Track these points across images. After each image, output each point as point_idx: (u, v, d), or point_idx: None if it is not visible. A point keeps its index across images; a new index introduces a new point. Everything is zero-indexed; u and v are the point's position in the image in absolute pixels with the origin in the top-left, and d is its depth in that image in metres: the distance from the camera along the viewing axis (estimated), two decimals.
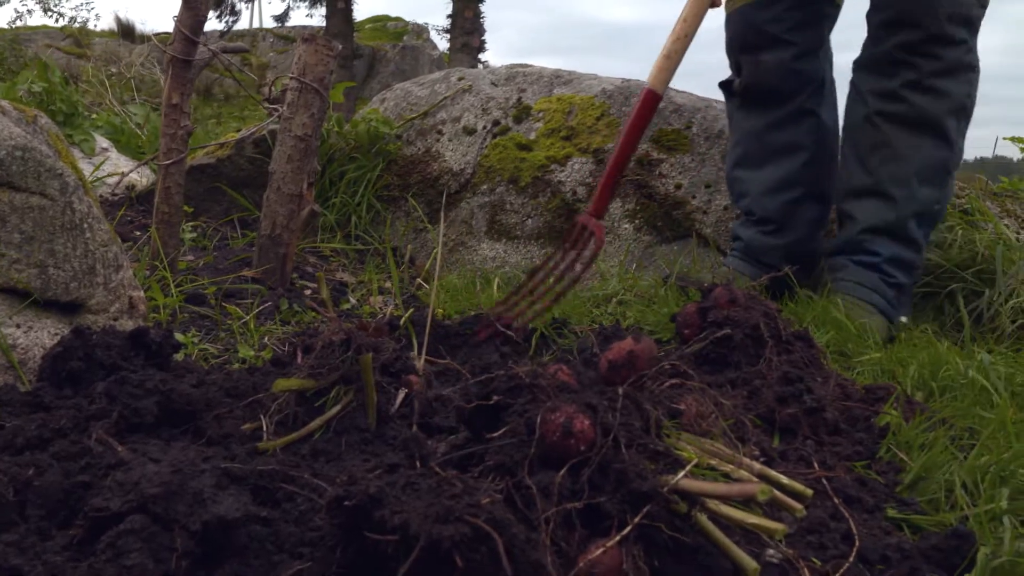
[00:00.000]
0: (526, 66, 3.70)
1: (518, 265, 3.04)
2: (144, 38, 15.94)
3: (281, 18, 24.82)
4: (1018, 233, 2.80)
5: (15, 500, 1.01)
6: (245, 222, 3.15)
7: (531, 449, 0.97)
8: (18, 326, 1.52)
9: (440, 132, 3.40)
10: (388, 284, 2.69)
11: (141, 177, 3.36)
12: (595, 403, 1.00)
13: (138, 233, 2.84)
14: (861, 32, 2.46)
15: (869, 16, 2.40)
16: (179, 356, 1.66)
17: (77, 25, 20.30)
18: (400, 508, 0.82)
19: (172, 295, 2.12)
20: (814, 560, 1.07)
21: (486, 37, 19.39)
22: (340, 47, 2.50)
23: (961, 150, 2.42)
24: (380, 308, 2.40)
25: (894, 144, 2.35)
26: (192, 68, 2.31)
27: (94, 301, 1.66)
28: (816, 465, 1.36)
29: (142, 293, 1.84)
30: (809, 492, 1.08)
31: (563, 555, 0.89)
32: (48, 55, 11.72)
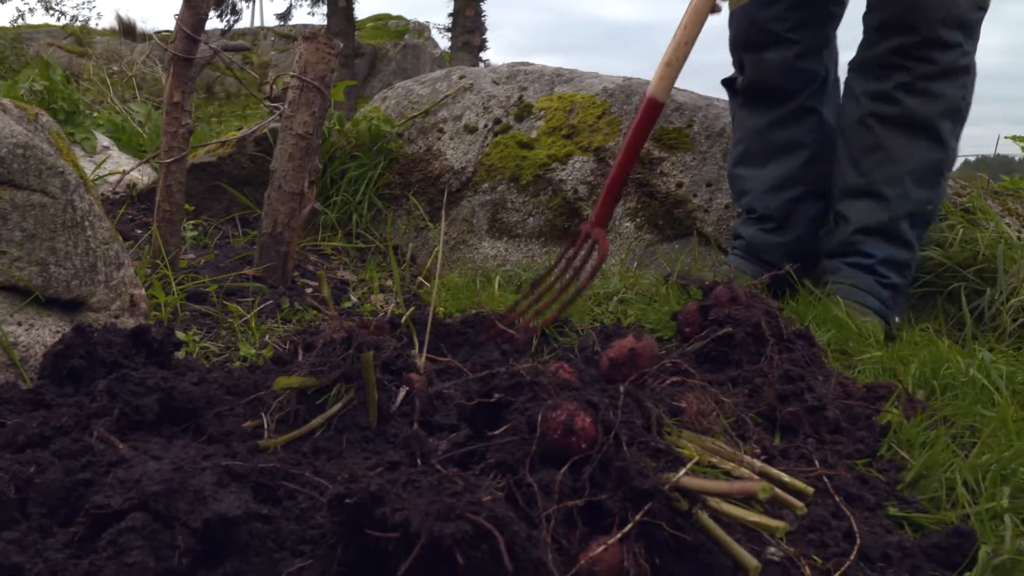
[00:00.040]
0: (527, 64, 3.70)
1: (519, 263, 3.04)
2: (145, 36, 15.94)
3: (284, 16, 24.86)
4: (1019, 232, 2.79)
5: (16, 498, 1.01)
6: (246, 220, 3.15)
7: (532, 447, 0.97)
8: (19, 324, 1.52)
9: (441, 130, 3.40)
10: (389, 282, 2.69)
11: (142, 175, 3.36)
12: (596, 401, 1.00)
13: (139, 231, 2.84)
14: (861, 31, 2.46)
15: (865, 18, 2.40)
16: (180, 354, 1.66)
17: (79, 24, 20.30)
18: (401, 506, 0.82)
19: (173, 293, 2.12)
20: (815, 558, 1.07)
21: (487, 35, 19.41)
22: (341, 45, 2.50)
23: (955, 152, 2.43)
24: (381, 306, 2.40)
25: (888, 145, 2.35)
26: (193, 66, 2.31)
27: (95, 299, 1.66)
28: (817, 463, 1.36)
29: (143, 291, 1.85)
30: (810, 490, 1.08)
31: (564, 553, 0.89)
32: (49, 53, 11.73)
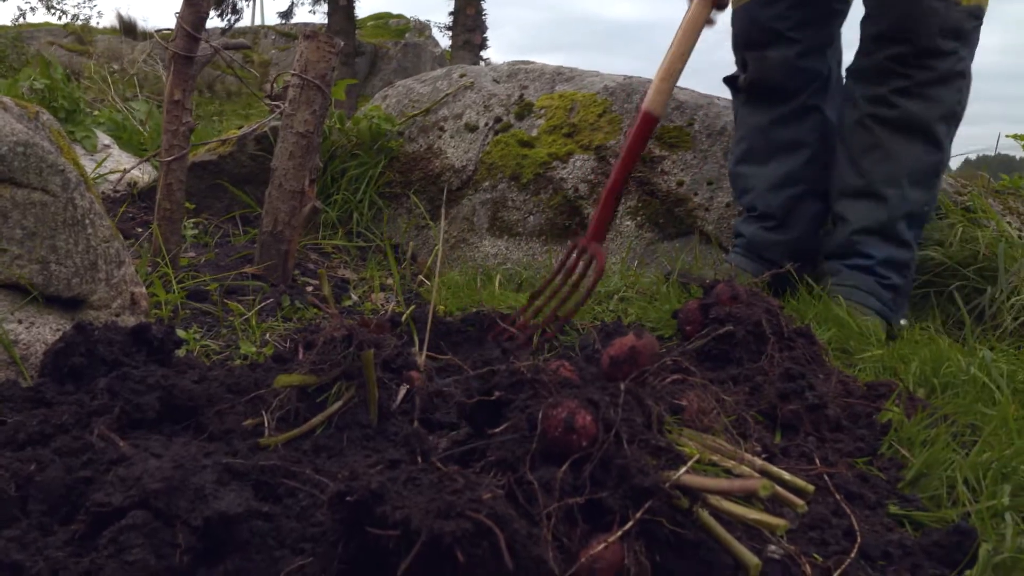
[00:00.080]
0: (528, 63, 3.70)
1: (520, 262, 3.04)
2: (146, 35, 15.94)
3: (286, 14, 24.86)
4: (1020, 231, 2.79)
5: (17, 495, 1.01)
6: (247, 219, 3.15)
7: (533, 444, 0.97)
8: (20, 322, 1.52)
9: (442, 129, 3.40)
10: (390, 281, 2.69)
11: (143, 174, 3.36)
12: (597, 399, 1.00)
13: (140, 230, 2.84)
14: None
15: (862, 26, 2.43)
16: (181, 352, 1.66)
17: (79, 22, 20.30)
18: (401, 503, 0.82)
19: (174, 291, 2.12)
20: (815, 556, 1.07)
21: (488, 34, 19.40)
22: (342, 44, 2.50)
23: (949, 154, 2.46)
24: (382, 305, 2.40)
25: (886, 146, 2.37)
26: (194, 65, 2.31)
27: (96, 297, 1.66)
28: (818, 461, 1.36)
29: (144, 289, 1.85)
30: (811, 488, 1.08)
31: (565, 550, 0.89)
32: (50, 52, 11.72)
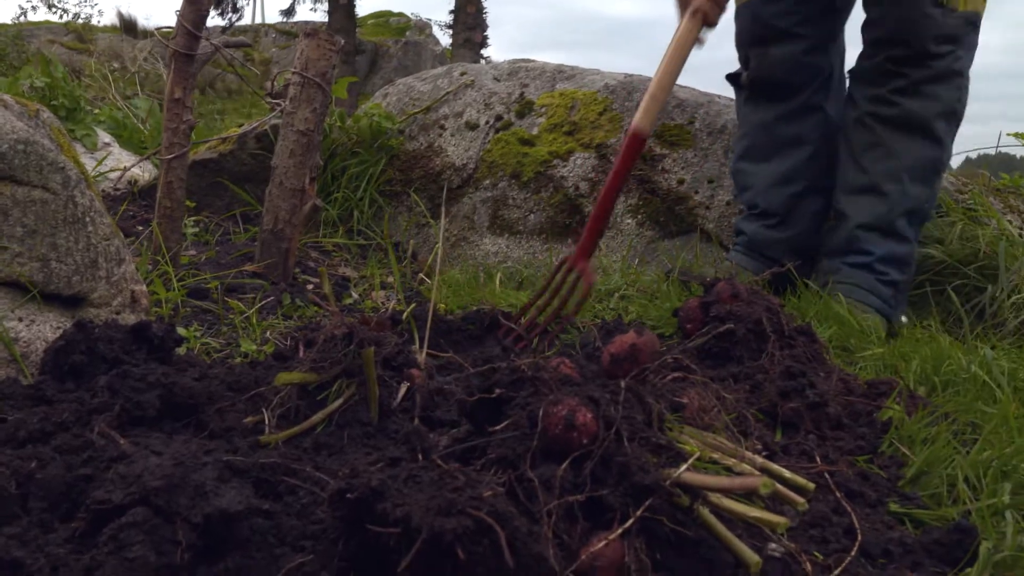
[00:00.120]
0: (529, 61, 3.70)
1: (520, 260, 3.04)
2: (147, 33, 15.94)
3: (288, 12, 24.84)
4: (1021, 229, 2.79)
5: (17, 493, 1.01)
6: (247, 217, 3.15)
7: (533, 442, 0.97)
8: (20, 319, 1.52)
9: (442, 127, 3.40)
10: (390, 279, 2.69)
11: (143, 172, 3.36)
12: (597, 396, 1.00)
13: (140, 228, 2.84)
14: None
15: (863, 30, 2.46)
16: (181, 350, 1.66)
17: (80, 21, 20.28)
18: (402, 501, 0.82)
19: (174, 289, 2.12)
20: (816, 554, 1.07)
21: (488, 32, 19.39)
22: (343, 42, 2.50)
23: (950, 152, 2.48)
24: (382, 303, 2.40)
25: (887, 143, 2.40)
26: (195, 63, 2.31)
27: (96, 295, 1.66)
28: (818, 459, 1.36)
29: (144, 287, 1.85)
30: (811, 486, 1.08)
31: (565, 548, 0.89)
32: (51, 50, 11.72)
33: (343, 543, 0.91)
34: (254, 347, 1.87)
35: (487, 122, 3.34)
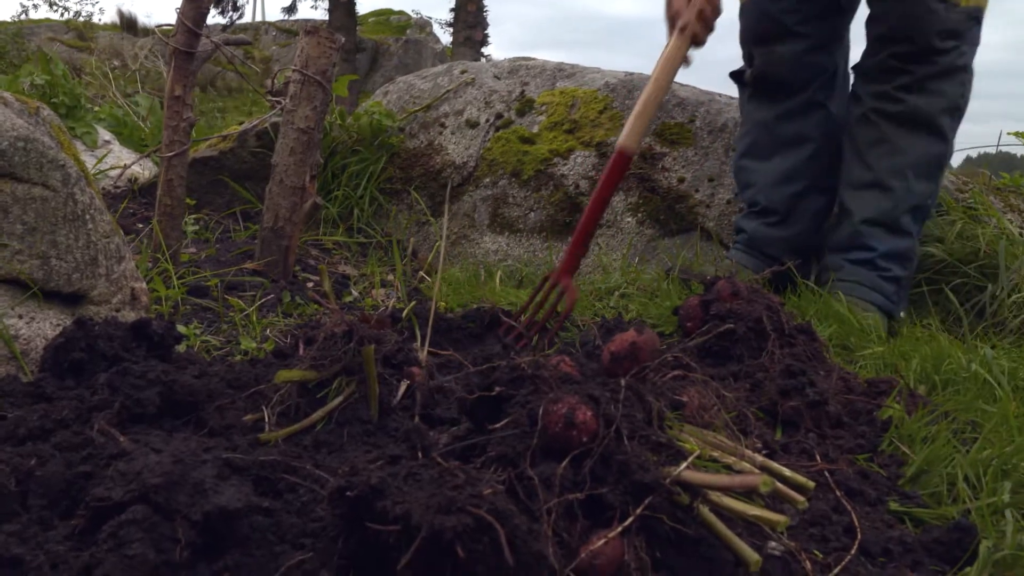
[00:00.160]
0: (529, 59, 3.70)
1: (520, 258, 3.04)
2: (147, 31, 15.94)
3: (289, 10, 24.85)
4: (1021, 228, 2.79)
5: (17, 490, 1.01)
6: (248, 215, 3.15)
7: (533, 440, 0.97)
8: (20, 317, 1.52)
9: (443, 125, 3.40)
10: (391, 277, 2.69)
11: (143, 170, 3.36)
12: (597, 394, 1.00)
13: (140, 225, 2.84)
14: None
15: (867, 26, 2.47)
16: (181, 348, 1.66)
17: (81, 19, 20.28)
18: (402, 499, 0.82)
19: (174, 287, 2.12)
20: (816, 552, 1.07)
21: (489, 31, 19.38)
22: (343, 40, 2.50)
23: (953, 147, 2.48)
24: (383, 301, 2.40)
25: (892, 139, 2.41)
26: (195, 60, 2.30)
27: (96, 292, 1.66)
28: (818, 458, 1.36)
29: (144, 285, 1.84)
30: (811, 484, 1.08)
31: (565, 546, 0.89)
32: (51, 48, 11.71)
33: (343, 541, 0.91)
34: (254, 345, 1.87)
35: (487, 120, 3.34)
